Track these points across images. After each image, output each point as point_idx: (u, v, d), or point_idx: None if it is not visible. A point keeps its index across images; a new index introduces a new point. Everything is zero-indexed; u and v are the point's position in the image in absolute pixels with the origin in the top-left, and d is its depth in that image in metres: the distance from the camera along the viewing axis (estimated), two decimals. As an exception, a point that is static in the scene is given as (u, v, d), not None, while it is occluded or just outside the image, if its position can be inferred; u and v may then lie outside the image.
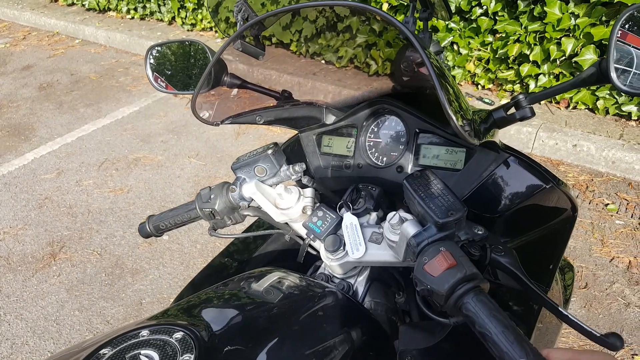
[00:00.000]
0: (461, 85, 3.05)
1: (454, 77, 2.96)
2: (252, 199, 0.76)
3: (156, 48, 0.89)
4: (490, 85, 2.95)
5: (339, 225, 0.71)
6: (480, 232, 0.62)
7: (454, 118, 0.56)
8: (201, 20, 4.18)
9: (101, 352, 0.55)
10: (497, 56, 2.78)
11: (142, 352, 0.54)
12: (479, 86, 2.98)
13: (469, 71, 2.95)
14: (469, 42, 2.84)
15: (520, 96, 0.66)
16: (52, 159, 2.88)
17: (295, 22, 0.81)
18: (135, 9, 4.65)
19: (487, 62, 2.88)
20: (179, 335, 0.56)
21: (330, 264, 0.71)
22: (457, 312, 0.54)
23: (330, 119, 0.86)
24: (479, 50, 2.86)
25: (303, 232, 0.74)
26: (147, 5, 4.52)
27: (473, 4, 2.72)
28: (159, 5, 4.46)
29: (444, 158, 0.76)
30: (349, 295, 0.70)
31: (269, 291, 0.68)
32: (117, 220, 2.33)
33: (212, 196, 0.77)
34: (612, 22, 2.34)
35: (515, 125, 2.42)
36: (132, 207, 2.40)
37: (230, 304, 0.65)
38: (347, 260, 0.70)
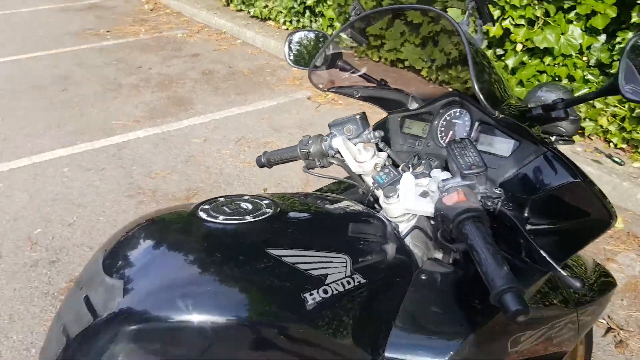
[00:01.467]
0: (591, 139, 2.96)
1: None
2: (338, 151, 0.98)
3: (295, 34, 1.23)
4: (624, 145, 2.81)
5: (398, 181, 0.89)
6: (497, 192, 0.77)
7: (476, 87, 0.77)
8: (345, 40, 4.63)
9: (203, 206, 0.76)
10: (634, 115, 2.66)
11: (241, 203, 0.78)
12: (611, 144, 2.86)
13: (601, 126, 2.83)
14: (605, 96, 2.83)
15: (558, 100, 0.83)
16: (202, 128, 3.46)
17: (428, 48, 1.07)
18: (291, 22, 5.26)
19: (623, 119, 2.74)
20: (267, 201, 0.78)
21: (385, 207, 0.90)
22: (459, 234, 0.68)
23: (413, 105, 1.09)
24: (615, 106, 2.74)
25: (370, 182, 0.96)
26: (301, 19, 5.10)
27: (615, 58, 2.69)
28: (310, 21, 5.02)
29: (495, 146, 0.95)
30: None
31: (337, 208, 0.89)
32: (241, 185, 2.78)
33: (309, 142, 1.02)
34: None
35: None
36: (254, 178, 2.84)
37: (307, 205, 0.89)
38: (398, 206, 0.87)
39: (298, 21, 5.18)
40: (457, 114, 1.03)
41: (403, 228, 0.90)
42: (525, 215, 0.86)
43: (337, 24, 4.59)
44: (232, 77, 4.41)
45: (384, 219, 0.89)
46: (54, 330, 0.67)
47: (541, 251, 0.75)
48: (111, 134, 3.38)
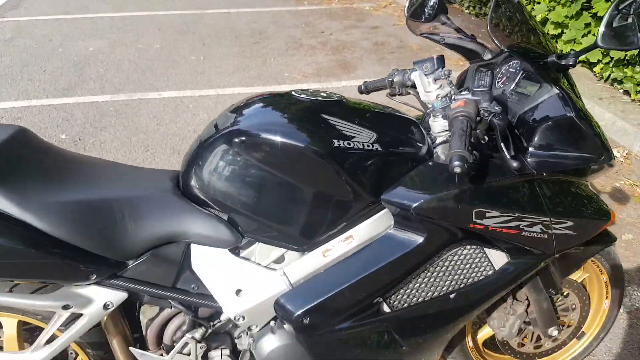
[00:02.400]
0: None
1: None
2: (414, 82, 1.18)
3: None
4: None
5: (448, 107, 1.09)
6: (496, 108, 1.00)
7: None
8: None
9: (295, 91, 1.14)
10: None
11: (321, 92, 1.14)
12: None
13: None
14: None
15: (571, 51, 1.06)
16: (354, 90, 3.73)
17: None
18: (474, 7, 5.17)
19: None
20: (338, 95, 1.16)
21: (431, 123, 1.12)
22: (450, 125, 0.95)
23: (487, 56, 1.25)
24: None
25: (428, 106, 1.15)
26: (483, 8, 4.99)
27: None
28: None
29: (527, 88, 1.15)
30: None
31: (387, 109, 1.20)
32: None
33: (395, 74, 1.28)
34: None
35: None
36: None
37: (364, 102, 1.20)
38: (439, 123, 1.11)
39: (481, 7, 5.07)
40: (512, 64, 1.20)
41: (439, 141, 1.11)
42: (520, 131, 1.14)
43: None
44: (400, 50, 4.58)
45: (420, 128, 1.13)
46: (194, 141, 1.15)
47: (502, 144, 0.99)
48: (282, 83, 3.87)
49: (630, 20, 0.99)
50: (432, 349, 1.27)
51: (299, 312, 1.08)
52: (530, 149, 1.14)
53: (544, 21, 4.04)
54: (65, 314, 1.07)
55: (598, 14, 3.48)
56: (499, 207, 1.07)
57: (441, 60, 1.17)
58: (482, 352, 1.58)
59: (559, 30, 3.92)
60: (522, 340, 1.53)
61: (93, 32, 4.89)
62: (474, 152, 1.09)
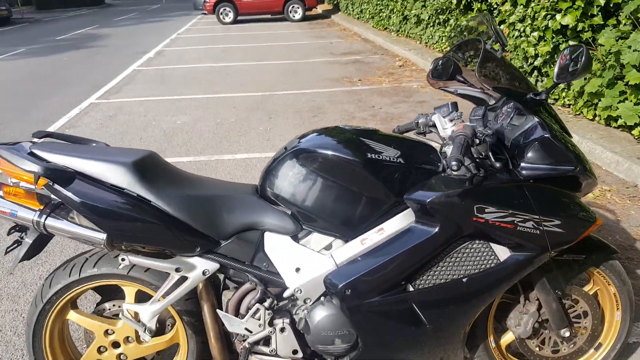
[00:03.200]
0: None
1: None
2: (434, 122, 1.58)
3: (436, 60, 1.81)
4: None
5: None
6: (488, 131, 1.34)
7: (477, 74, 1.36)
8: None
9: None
10: None
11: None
12: None
13: None
14: None
15: (544, 89, 1.39)
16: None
17: None
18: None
19: None
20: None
21: (446, 149, 1.46)
22: (452, 141, 1.31)
23: (491, 102, 1.61)
24: None
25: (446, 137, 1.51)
26: (529, 78, 5.37)
27: None
28: (536, 81, 5.24)
29: (518, 120, 1.49)
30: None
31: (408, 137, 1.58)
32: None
33: (420, 117, 1.68)
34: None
35: None
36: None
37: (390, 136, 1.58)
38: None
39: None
40: (508, 106, 1.54)
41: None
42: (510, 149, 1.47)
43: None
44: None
45: (437, 152, 1.52)
46: (270, 159, 1.56)
47: (490, 153, 1.34)
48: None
49: (578, 66, 1.35)
50: (453, 331, 1.53)
51: (342, 285, 1.42)
52: (522, 163, 1.45)
53: (581, 92, 4.33)
54: (176, 276, 1.47)
55: (630, 83, 3.73)
56: (495, 204, 1.39)
57: (455, 105, 1.56)
58: (506, 357, 1.78)
59: (596, 100, 4.17)
60: (540, 343, 1.72)
61: (180, 110, 5.72)
62: (479, 166, 1.43)
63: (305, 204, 1.46)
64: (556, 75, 1.41)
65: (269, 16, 15.55)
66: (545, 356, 1.74)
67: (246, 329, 1.52)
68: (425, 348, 1.54)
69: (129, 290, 1.58)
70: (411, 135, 1.70)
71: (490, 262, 1.45)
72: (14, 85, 7.51)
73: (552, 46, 4.67)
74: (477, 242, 1.44)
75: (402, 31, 9.82)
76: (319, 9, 17.27)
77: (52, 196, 1.40)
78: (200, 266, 1.48)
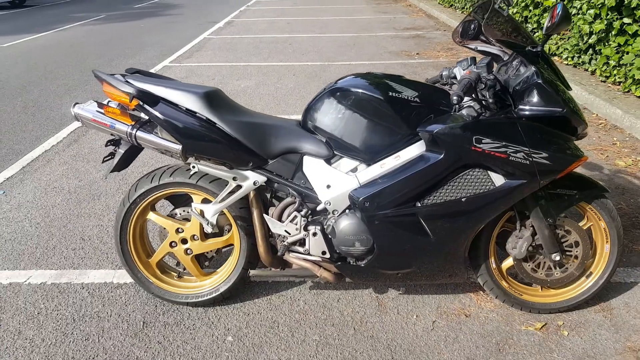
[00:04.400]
0: None
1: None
2: (456, 74, 1.86)
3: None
4: None
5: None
6: (490, 77, 1.63)
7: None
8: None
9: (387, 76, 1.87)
10: None
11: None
12: None
13: None
14: None
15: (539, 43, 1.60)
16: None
17: None
18: (573, 57, 5.54)
19: None
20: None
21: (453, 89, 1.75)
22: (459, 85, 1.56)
23: (505, 57, 1.85)
24: None
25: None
26: (582, 56, 5.33)
27: None
28: (590, 59, 5.21)
29: (521, 71, 1.71)
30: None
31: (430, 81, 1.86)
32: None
33: (444, 70, 1.94)
34: None
35: None
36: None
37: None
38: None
39: (579, 57, 5.42)
40: (515, 61, 1.78)
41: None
42: (509, 91, 1.72)
43: (611, 62, 4.73)
44: (496, 93, 5.11)
45: (449, 91, 1.78)
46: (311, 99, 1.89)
47: (493, 96, 1.59)
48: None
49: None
50: (453, 245, 1.83)
51: (362, 198, 1.75)
52: (519, 105, 1.72)
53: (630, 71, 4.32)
54: (233, 184, 1.87)
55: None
56: (491, 136, 1.67)
57: (473, 59, 1.82)
58: (507, 279, 2.06)
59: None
60: (535, 266, 1.99)
61: (244, 75, 6.18)
62: (484, 107, 1.70)
63: (336, 133, 1.80)
64: (545, 28, 1.64)
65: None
66: (540, 278, 2.00)
67: (286, 231, 1.90)
68: (431, 258, 1.86)
69: (197, 197, 2.00)
70: (437, 85, 1.98)
71: (487, 186, 1.73)
72: (94, 48, 8.32)
73: (605, 24, 4.63)
74: (477, 170, 1.73)
75: (466, 8, 9.74)
76: (386, -16, 17.18)
77: (142, 115, 1.83)
78: (252, 177, 1.87)
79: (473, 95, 1.68)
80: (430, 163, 1.71)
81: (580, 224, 1.97)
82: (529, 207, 1.87)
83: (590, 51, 5.19)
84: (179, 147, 1.79)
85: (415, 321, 2.05)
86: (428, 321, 2.05)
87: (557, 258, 1.92)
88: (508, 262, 2.05)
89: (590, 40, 5.00)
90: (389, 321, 2.05)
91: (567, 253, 1.97)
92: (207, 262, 2.15)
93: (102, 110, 1.87)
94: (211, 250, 2.11)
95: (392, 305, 2.15)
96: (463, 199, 1.74)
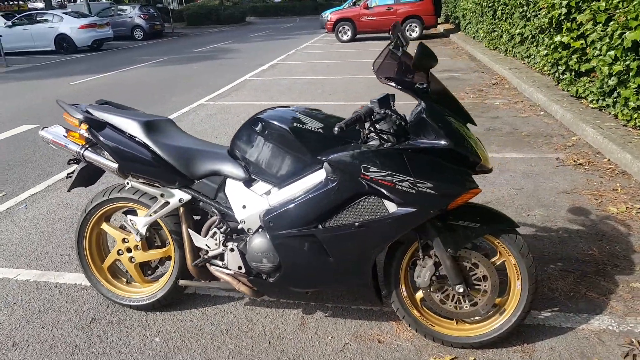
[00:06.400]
0: None
1: None
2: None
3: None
4: None
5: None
6: (380, 112, 1.80)
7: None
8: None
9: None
10: None
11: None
12: None
13: None
14: None
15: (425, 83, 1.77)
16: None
17: None
18: (597, 100, 5.48)
19: None
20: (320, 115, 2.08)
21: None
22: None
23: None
24: None
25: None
26: (607, 99, 5.27)
27: None
28: (614, 102, 5.14)
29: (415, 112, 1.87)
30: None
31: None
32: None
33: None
34: None
35: None
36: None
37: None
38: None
39: (604, 99, 5.36)
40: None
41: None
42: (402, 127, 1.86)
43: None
44: (507, 135, 5.16)
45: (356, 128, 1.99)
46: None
47: (377, 127, 1.81)
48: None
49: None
50: (354, 267, 1.99)
51: (267, 217, 1.99)
52: (411, 137, 1.88)
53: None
54: (162, 200, 2.19)
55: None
56: (377, 165, 1.84)
57: (386, 96, 2.03)
58: (420, 308, 2.17)
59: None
60: (444, 297, 2.09)
61: (267, 112, 6.65)
62: (381, 138, 1.89)
63: (252, 158, 2.07)
64: (412, 64, 1.80)
65: (386, 34, 16.27)
66: (449, 310, 2.10)
67: (206, 245, 2.17)
68: (332, 279, 2.04)
69: (140, 212, 2.33)
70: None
71: (380, 213, 1.90)
72: (148, 87, 9.23)
73: (624, 65, 4.61)
74: (372, 197, 1.91)
75: (509, 51, 9.80)
76: (440, 29, 17.53)
77: (91, 138, 2.21)
78: (177, 195, 2.17)
79: (363, 128, 1.87)
80: (327, 188, 1.92)
81: (494, 259, 2.06)
82: (431, 236, 1.99)
83: (615, 94, 5.13)
84: (115, 165, 2.14)
85: (328, 342, 2.20)
86: (340, 343, 2.20)
87: (461, 290, 2.01)
88: (420, 293, 2.15)
89: (611, 82, 4.97)
90: (304, 339, 2.22)
91: (476, 287, 2.06)
92: (149, 271, 2.45)
93: (65, 134, 2.27)
94: (154, 260, 2.41)
95: (314, 325, 2.31)
96: (356, 224, 1.92)
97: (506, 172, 4.12)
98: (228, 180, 2.14)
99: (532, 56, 8.30)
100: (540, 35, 7.79)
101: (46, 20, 17.15)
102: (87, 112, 2.23)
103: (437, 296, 2.10)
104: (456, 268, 2.01)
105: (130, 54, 15.66)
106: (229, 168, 2.13)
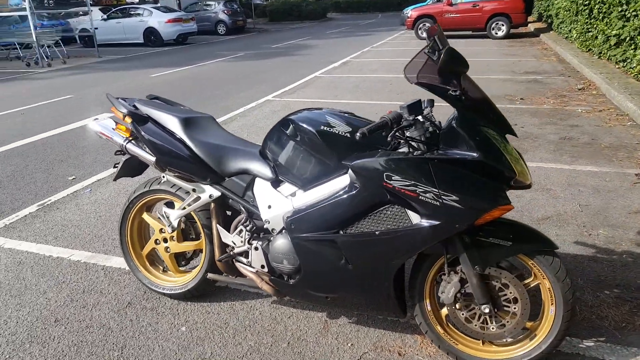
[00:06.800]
0: None
1: None
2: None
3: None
4: None
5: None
6: (410, 118, 1.75)
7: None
8: None
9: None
10: None
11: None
12: None
13: None
14: None
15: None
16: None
17: None
18: (695, 112, 4.95)
19: None
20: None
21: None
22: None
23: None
24: None
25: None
26: None
27: None
28: None
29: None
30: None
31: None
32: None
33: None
34: None
35: None
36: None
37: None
38: None
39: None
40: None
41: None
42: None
43: None
44: (583, 146, 4.82)
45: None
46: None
47: (406, 132, 1.77)
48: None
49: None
50: (373, 276, 1.97)
51: (289, 219, 2.03)
52: (441, 146, 1.83)
53: None
54: (194, 195, 2.29)
55: None
56: (401, 174, 1.80)
57: (418, 102, 1.98)
58: (445, 325, 2.11)
59: None
60: (470, 317, 2.01)
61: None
62: (411, 145, 1.84)
63: (279, 159, 2.11)
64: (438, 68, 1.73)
65: (469, 32, 15.74)
66: (474, 330, 2.01)
67: (232, 241, 2.25)
68: (351, 287, 2.03)
69: (177, 204, 2.46)
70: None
71: (403, 223, 1.86)
72: (220, 81, 9.64)
73: None
74: (396, 206, 1.87)
75: (604, 53, 9.11)
76: (531, 27, 16.64)
77: (134, 131, 2.37)
78: (208, 191, 2.27)
79: (392, 134, 1.79)
80: (349, 194, 1.91)
81: (528, 280, 1.95)
82: (458, 252, 1.92)
83: None
84: (153, 159, 2.27)
85: (347, 349, 2.20)
86: (359, 351, 2.18)
87: (487, 310, 1.92)
88: (446, 309, 2.09)
89: None
90: (324, 343, 2.24)
91: (505, 308, 1.96)
92: (184, 262, 2.58)
93: (114, 127, 2.45)
94: (189, 252, 2.53)
95: (336, 330, 2.32)
96: (377, 232, 1.89)
97: (574, 186, 3.85)
98: (257, 179, 2.20)
99: (629, 60, 7.67)
100: (639, 37, 7.18)
101: (137, 14, 18.45)
102: (134, 106, 2.39)
103: (463, 314, 2.02)
104: (483, 287, 1.92)
105: (211, 49, 16.41)
106: (258, 167, 2.19)
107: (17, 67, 13.22)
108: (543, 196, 3.70)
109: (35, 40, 13.29)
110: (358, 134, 1.73)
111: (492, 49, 12.58)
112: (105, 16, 18.85)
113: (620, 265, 2.75)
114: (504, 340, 2.02)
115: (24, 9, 13.14)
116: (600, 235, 3.09)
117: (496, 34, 14.70)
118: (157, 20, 18.00)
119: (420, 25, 15.54)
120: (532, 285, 1.94)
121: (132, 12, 18.74)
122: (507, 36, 14.62)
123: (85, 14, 16.42)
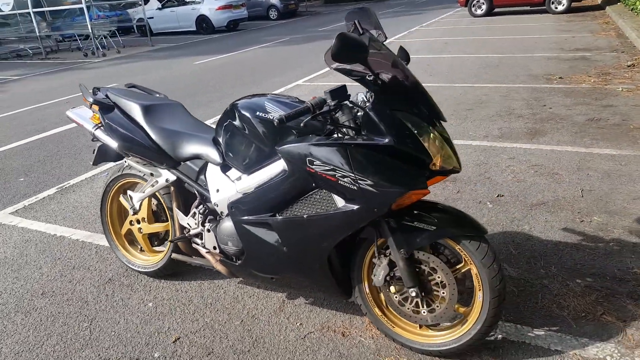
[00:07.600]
0: None
1: None
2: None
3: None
4: None
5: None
6: (332, 103, 1.75)
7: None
8: None
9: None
10: None
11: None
12: None
13: None
14: None
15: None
16: (526, 154, 4.12)
17: None
18: None
19: None
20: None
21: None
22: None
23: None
24: None
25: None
26: None
27: None
28: None
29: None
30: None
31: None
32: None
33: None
34: None
35: None
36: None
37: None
38: None
39: None
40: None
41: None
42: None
43: None
44: (610, 127, 4.55)
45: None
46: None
47: (328, 117, 1.82)
48: (462, 138, 4.60)
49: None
50: (307, 258, 2.04)
51: (230, 202, 2.14)
52: (364, 131, 1.84)
53: None
54: (152, 179, 2.46)
55: None
56: (321, 159, 1.85)
57: (342, 87, 2.03)
58: (384, 306, 2.15)
59: None
60: (403, 300, 2.04)
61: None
62: (334, 130, 1.89)
63: (224, 145, 2.22)
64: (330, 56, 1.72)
65: (527, 9, 14.98)
66: (406, 313, 2.05)
67: (188, 223, 2.40)
68: (289, 268, 2.12)
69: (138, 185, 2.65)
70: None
71: (329, 207, 1.92)
72: (258, 66, 9.85)
73: None
74: (323, 191, 1.94)
75: (666, 23, 8.40)
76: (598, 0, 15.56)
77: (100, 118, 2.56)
78: (165, 175, 2.43)
79: (308, 120, 1.82)
80: (281, 178, 1.98)
81: (458, 266, 1.95)
82: (385, 235, 1.96)
83: None
84: (115, 144, 2.46)
85: (295, 328, 2.30)
86: (305, 330, 2.27)
87: (413, 294, 1.95)
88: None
89: None
90: (275, 322, 2.35)
91: (435, 292, 1.98)
92: (157, 242, 2.77)
93: (91, 115, 2.66)
94: (161, 232, 2.72)
95: (290, 310, 2.42)
96: (305, 216, 1.96)
97: (584, 170, 3.67)
98: (209, 164, 2.32)
99: (688, 31, 7.04)
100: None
101: (190, 2, 19.07)
102: (107, 96, 2.58)
103: (396, 297, 2.06)
104: (411, 270, 1.95)
105: (259, 34, 16.71)
106: (208, 152, 2.30)
107: (76, 58, 14.17)
108: (546, 181, 3.57)
109: (90, 31, 14.15)
110: (276, 120, 1.79)
111: (546, 24, 11.93)
112: (160, 5, 19.64)
113: (602, 253, 2.64)
114: (441, 325, 2.04)
115: (81, 1, 13.98)
116: (593, 222, 2.96)
117: (556, 8, 13.86)
118: (208, 7, 18.51)
119: (474, 2, 14.95)
120: (463, 271, 1.94)
121: (185, 1, 19.40)
122: (569, 10, 13.76)
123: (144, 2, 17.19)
